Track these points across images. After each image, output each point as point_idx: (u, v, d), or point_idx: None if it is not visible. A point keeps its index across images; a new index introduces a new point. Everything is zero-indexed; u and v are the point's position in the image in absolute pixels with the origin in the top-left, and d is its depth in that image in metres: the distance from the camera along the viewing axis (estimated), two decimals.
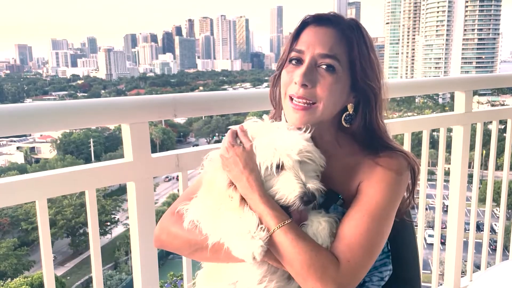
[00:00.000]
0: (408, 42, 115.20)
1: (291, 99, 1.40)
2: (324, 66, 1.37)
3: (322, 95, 1.37)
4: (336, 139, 1.48)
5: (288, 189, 1.26)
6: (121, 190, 33.74)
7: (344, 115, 1.44)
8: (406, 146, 2.56)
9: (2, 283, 24.08)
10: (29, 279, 23.30)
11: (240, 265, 1.32)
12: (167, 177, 42.26)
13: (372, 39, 1.46)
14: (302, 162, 1.29)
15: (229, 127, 1.41)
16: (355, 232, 1.29)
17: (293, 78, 1.39)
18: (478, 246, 3.13)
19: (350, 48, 1.38)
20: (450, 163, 2.94)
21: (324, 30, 1.40)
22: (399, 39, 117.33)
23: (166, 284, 22.78)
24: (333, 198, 1.40)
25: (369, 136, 1.46)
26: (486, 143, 3.05)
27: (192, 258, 1.50)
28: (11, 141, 50.71)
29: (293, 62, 1.41)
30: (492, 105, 39.08)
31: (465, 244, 3.02)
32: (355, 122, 1.44)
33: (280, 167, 1.28)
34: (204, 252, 1.33)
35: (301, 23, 1.43)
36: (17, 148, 50.31)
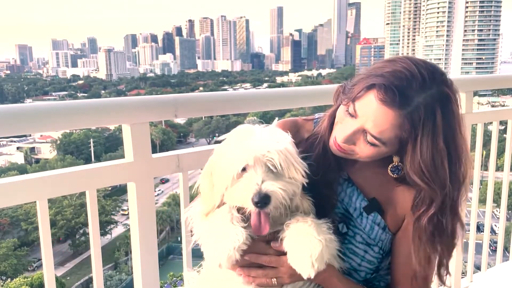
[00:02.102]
0: (408, 43, 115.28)
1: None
2: (370, 142, 1.32)
3: (362, 156, 1.37)
4: None
5: (243, 191, 1.22)
6: (121, 190, 33.74)
7: (390, 166, 1.41)
8: None
9: (2, 283, 24.09)
10: (29, 279, 23.30)
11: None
12: (162, 179, 42.36)
13: (459, 118, 1.29)
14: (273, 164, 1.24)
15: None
16: (421, 270, 1.39)
17: (338, 128, 1.38)
18: (479, 247, 3.12)
19: (411, 132, 1.26)
20: None
21: (385, 110, 1.25)
22: (399, 40, 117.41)
23: (166, 285, 22.78)
24: (374, 206, 1.43)
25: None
26: (486, 144, 3.05)
27: None
28: (11, 141, 50.73)
29: (347, 111, 1.35)
30: (493, 106, 39.09)
31: (466, 245, 3.01)
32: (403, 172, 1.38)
33: (244, 169, 1.25)
34: None
35: (371, 84, 1.28)
36: (17, 148, 50.34)
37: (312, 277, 1.21)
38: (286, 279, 1.28)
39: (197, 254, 1.47)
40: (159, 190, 41.90)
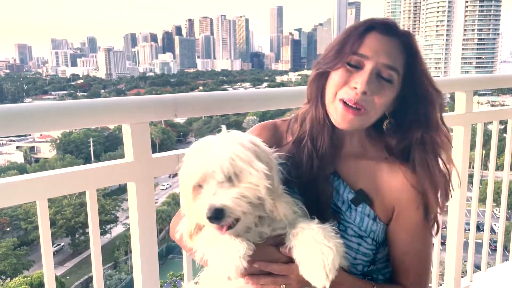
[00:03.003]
0: None
1: (343, 102, 1.37)
2: (386, 77, 1.35)
3: (378, 104, 1.37)
4: (361, 141, 1.49)
5: (198, 208, 1.20)
6: (121, 189, 33.75)
7: (385, 123, 1.44)
8: None
9: (1, 283, 24.08)
10: (28, 278, 23.31)
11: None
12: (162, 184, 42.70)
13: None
14: (233, 175, 1.20)
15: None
16: (417, 261, 1.45)
17: (350, 82, 1.36)
18: (478, 247, 3.12)
19: (409, 58, 1.38)
20: None
21: (389, 39, 1.37)
22: None
23: (165, 284, 22.81)
24: (362, 197, 1.44)
25: (395, 146, 1.44)
26: (486, 143, 3.05)
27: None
28: (11, 140, 50.72)
29: (350, 66, 1.37)
30: (492, 105, 39.08)
31: (465, 244, 3.01)
32: (394, 130, 1.44)
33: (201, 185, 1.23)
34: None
35: (367, 26, 1.38)
36: (17, 147, 50.33)
37: (328, 287, 1.20)
38: (295, 286, 1.27)
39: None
40: (167, 184, 42.40)
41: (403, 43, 1.38)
